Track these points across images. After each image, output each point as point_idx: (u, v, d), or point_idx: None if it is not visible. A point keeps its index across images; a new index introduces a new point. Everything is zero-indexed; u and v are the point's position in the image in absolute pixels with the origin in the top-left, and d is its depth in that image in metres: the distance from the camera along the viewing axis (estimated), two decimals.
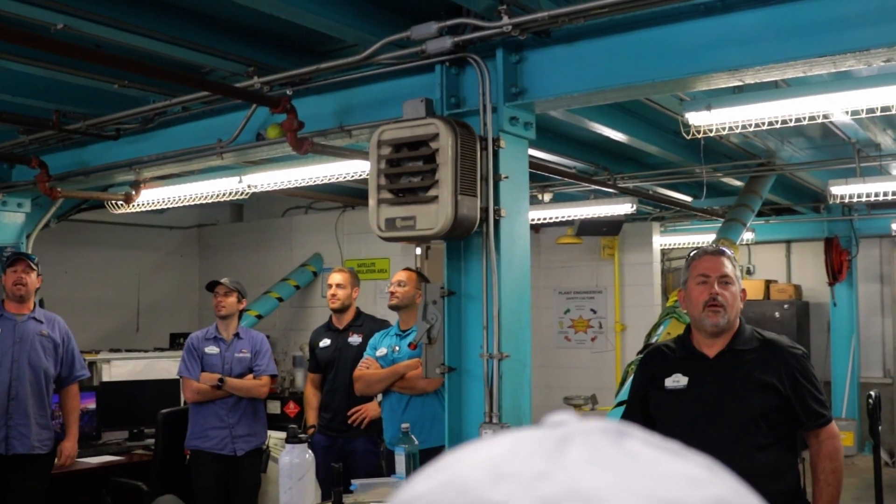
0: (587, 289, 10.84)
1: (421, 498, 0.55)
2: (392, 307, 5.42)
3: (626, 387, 5.68)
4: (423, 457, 4.46)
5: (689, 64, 3.93)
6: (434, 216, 3.93)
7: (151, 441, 6.61)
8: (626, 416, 3.56)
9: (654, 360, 3.54)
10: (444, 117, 4.11)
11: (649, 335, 6.30)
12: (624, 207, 8.55)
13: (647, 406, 3.44)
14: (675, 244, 11.46)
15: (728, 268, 3.36)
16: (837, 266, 10.31)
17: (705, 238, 10.59)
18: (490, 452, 0.56)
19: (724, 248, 3.53)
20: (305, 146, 4.74)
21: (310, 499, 3.68)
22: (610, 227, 9.69)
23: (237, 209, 11.03)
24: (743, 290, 3.42)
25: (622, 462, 0.53)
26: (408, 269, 5.66)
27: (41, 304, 5.93)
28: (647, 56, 4.01)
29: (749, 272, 11.32)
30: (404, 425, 4.25)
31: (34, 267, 5.69)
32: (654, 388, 3.41)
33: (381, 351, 5.32)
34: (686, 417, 3.27)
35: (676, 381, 3.33)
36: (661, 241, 10.91)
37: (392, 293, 5.37)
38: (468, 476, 0.54)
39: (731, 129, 5.04)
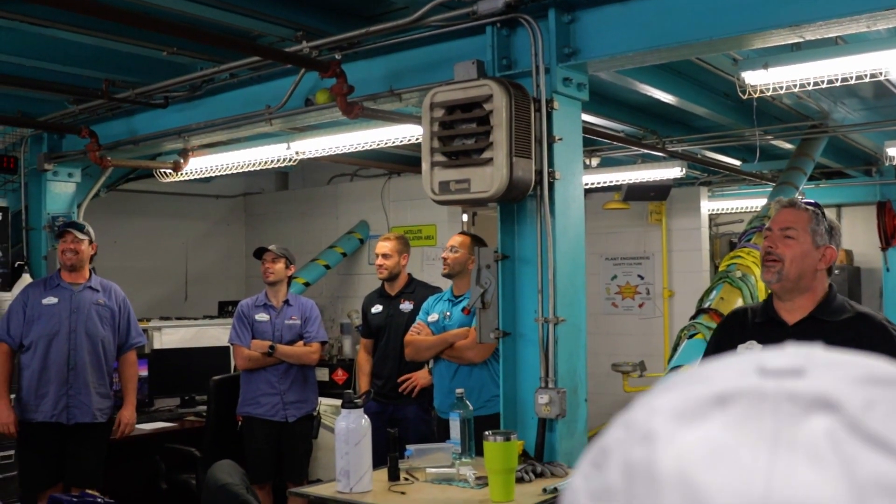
0: (634, 255, 10.73)
1: None
2: (445, 275, 5.33)
3: (681, 352, 5.62)
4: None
5: (747, 20, 3.84)
6: (489, 179, 3.89)
7: (203, 408, 6.67)
8: None
9: (730, 324, 3.29)
10: (497, 78, 4.06)
11: (701, 300, 6.21)
12: (672, 172, 8.44)
13: None
14: (723, 209, 11.30)
15: (796, 220, 3.02)
16: (890, 230, 10.10)
17: (755, 203, 10.43)
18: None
19: (808, 201, 3.14)
20: (356, 110, 4.70)
21: (366, 464, 3.68)
22: (658, 192, 9.56)
23: (283, 177, 11.04)
24: (826, 249, 3.02)
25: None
26: (462, 233, 5.54)
27: (94, 272, 5.97)
28: (703, 13, 3.92)
29: None
30: (459, 391, 4.23)
31: (84, 235, 5.70)
32: (726, 353, 3.22)
33: (433, 316, 5.27)
34: None
35: (750, 348, 3.03)
36: (709, 206, 10.76)
37: (444, 259, 5.28)
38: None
39: (788, 88, 4.93)
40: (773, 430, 0.49)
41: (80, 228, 5.74)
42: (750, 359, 0.55)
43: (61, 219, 6.81)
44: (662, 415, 0.53)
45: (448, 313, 5.21)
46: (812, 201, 3.15)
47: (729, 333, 3.22)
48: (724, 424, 0.50)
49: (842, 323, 2.97)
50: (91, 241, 5.74)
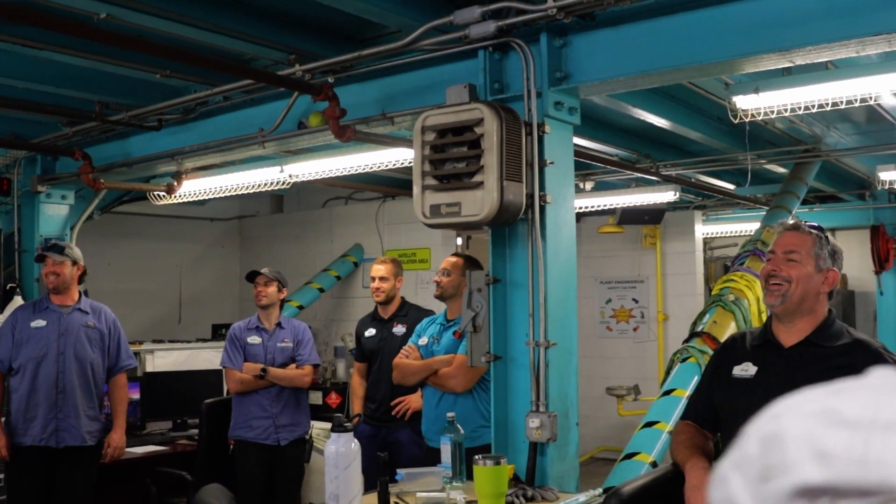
0: (629, 278, 10.74)
1: None
2: (437, 297, 5.25)
3: (673, 376, 5.61)
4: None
5: (738, 45, 3.85)
6: (479, 202, 3.88)
7: (195, 431, 6.63)
8: (693, 403, 3.40)
9: (728, 348, 3.29)
10: (488, 102, 4.07)
11: (695, 323, 6.21)
12: (666, 195, 8.46)
13: (713, 393, 3.21)
14: (717, 233, 11.33)
15: (800, 243, 3.01)
16: (884, 254, 10.13)
17: (749, 227, 10.45)
18: None
19: (809, 225, 3.12)
20: (348, 134, 4.71)
21: (356, 488, 3.65)
22: (652, 216, 9.59)
23: (277, 200, 11.05)
24: (829, 273, 3.02)
25: None
26: (456, 254, 5.48)
27: (86, 294, 5.95)
28: (695, 38, 3.94)
29: None
30: (450, 414, 4.21)
31: (63, 257, 5.65)
32: (723, 375, 3.15)
33: (423, 340, 5.21)
34: (748, 409, 3.13)
35: (745, 369, 3.06)
36: (703, 229, 10.78)
37: (437, 283, 5.18)
38: None
39: (779, 112, 4.94)
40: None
41: (60, 251, 5.68)
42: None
43: (53, 240, 6.80)
44: (788, 405, 0.71)
45: (437, 338, 5.13)
46: (815, 224, 3.14)
47: (726, 356, 3.22)
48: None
49: (837, 349, 2.96)
50: (75, 263, 5.71)
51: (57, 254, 5.65)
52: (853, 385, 0.70)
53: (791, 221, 3.23)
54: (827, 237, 3.07)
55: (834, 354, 2.94)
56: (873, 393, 0.68)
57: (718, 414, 3.17)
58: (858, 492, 0.64)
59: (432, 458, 4.61)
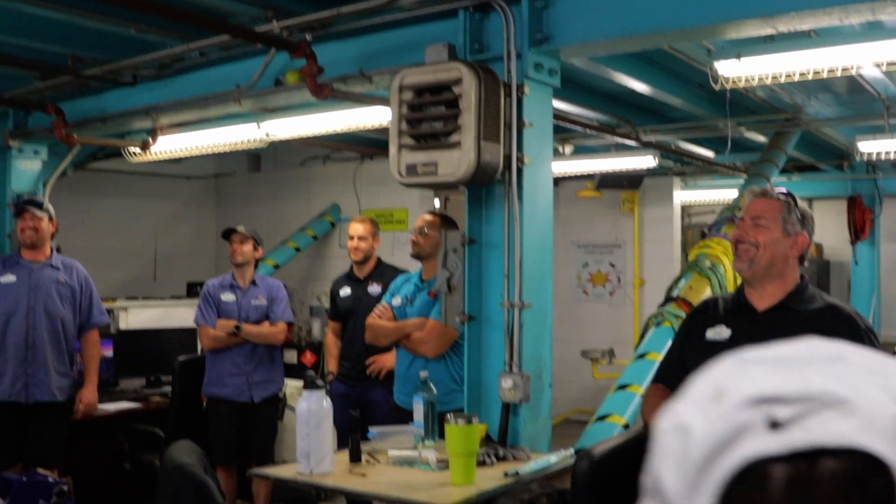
0: (606, 243, 10.76)
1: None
2: (414, 256, 5.19)
3: (647, 340, 5.63)
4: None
5: (721, 10, 3.84)
6: (456, 162, 3.87)
7: (168, 388, 6.61)
8: (664, 366, 3.41)
9: (700, 311, 3.32)
10: (467, 62, 4.03)
11: (670, 289, 6.23)
12: (646, 161, 8.45)
13: (685, 357, 3.23)
14: (696, 200, 11.34)
15: (767, 209, 3.04)
16: (860, 224, 10.18)
17: (727, 194, 10.47)
18: None
19: (778, 190, 3.14)
20: (325, 92, 4.66)
21: (327, 446, 3.66)
22: (630, 181, 9.59)
23: (255, 159, 10.97)
24: (798, 237, 3.04)
25: None
26: (431, 212, 5.41)
27: (58, 250, 5.89)
28: (677, 2, 3.92)
29: None
30: (423, 373, 4.21)
31: (43, 213, 5.61)
32: (695, 338, 3.18)
33: (397, 300, 5.17)
34: None
35: (719, 332, 3.10)
36: (681, 196, 10.79)
37: (414, 242, 5.11)
38: None
39: (760, 80, 4.93)
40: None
41: (39, 206, 5.65)
42: None
43: (26, 196, 6.72)
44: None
45: (411, 299, 5.08)
46: (784, 190, 3.16)
47: (699, 321, 3.25)
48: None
49: (811, 313, 2.99)
50: (51, 219, 5.67)
51: (37, 208, 5.60)
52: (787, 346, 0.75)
53: (760, 188, 3.25)
54: (796, 202, 3.08)
55: (807, 319, 2.96)
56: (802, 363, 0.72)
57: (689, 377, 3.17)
58: (802, 398, 0.67)
59: (399, 419, 4.62)
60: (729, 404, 0.69)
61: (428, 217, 5.17)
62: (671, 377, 3.24)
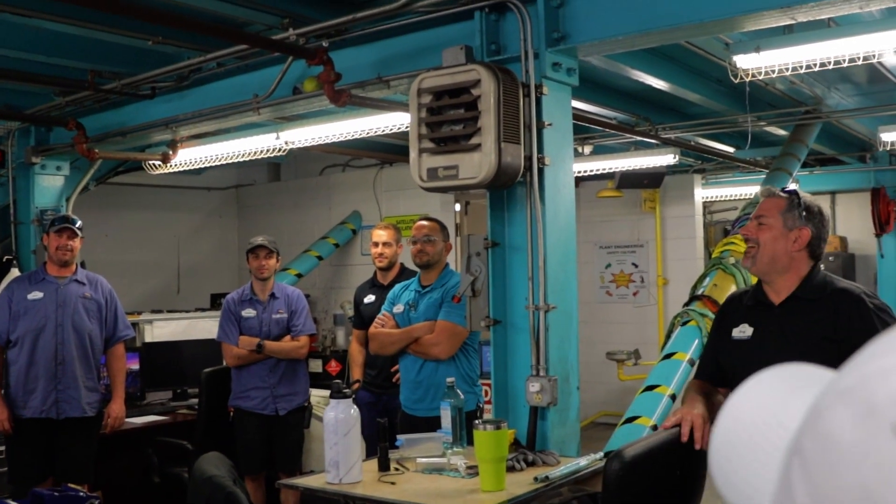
0: (628, 243, 10.69)
1: None
2: (422, 265, 5.10)
3: (674, 339, 5.59)
4: (431, 424, 4.34)
5: (739, 2, 3.80)
6: (477, 165, 3.84)
7: (195, 400, 6.62)
8: (701, 365, 3.50)
9: (727, 309, 3.40)
10: (485, 63, 4.01)
11: (695, 287, 6.18)
12: (666, 158, 8.40)
13: (718, 355, 3.31)
14: (717, 196, 11.27)
15: (770, 207, 3.14)
16: (885, 217, 10.07)
17: (749, 190, 10.40)
18: None
19: (785, 189, 3.24)
20: (343, 98, 4.65)
21: (355, 454, 3.64)
22: (651, 180, 9.53)
23: (275, 169, 10.98)
24: (800, 231, 3.09)
25: None
26: (427, 218, 5.31)
27: (83, 265, 5.91)
28: None
29: None
30: (449, 379, 4.18)
31: (79, 232, 5.65)
32: (724, 336, 3.26)
33: (399, 307, 5.11)
34: (747, 370, 3.11)
35: (742, 331, 3.18)
36: (703, 193, 10.72)
37: (420, 251, 5.04)
38: None
39: (780, 71, 4.87)
40: None
41: (74, 223, 5.68)
42: None
43: (50, 212, 6.75)
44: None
45: (413, 304, 5.03)
46: (791, 189, 3.26)
47: (726, 318, 3.34)
48: None
49: (822, 299, 3.07)
50: (81, 237, 5.70)
51: (76, 228, 5.64)
52: None
53: (767, 189, 3.36)
54: (799, 198, 3.15)
55: (819, 305, 3.06)
56: None
57: (725, 374, 3.22)
58: None
59: (411, 427, 4.59)
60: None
61: (427, 223, 5.14)
62: (711, 375, 3.33)
